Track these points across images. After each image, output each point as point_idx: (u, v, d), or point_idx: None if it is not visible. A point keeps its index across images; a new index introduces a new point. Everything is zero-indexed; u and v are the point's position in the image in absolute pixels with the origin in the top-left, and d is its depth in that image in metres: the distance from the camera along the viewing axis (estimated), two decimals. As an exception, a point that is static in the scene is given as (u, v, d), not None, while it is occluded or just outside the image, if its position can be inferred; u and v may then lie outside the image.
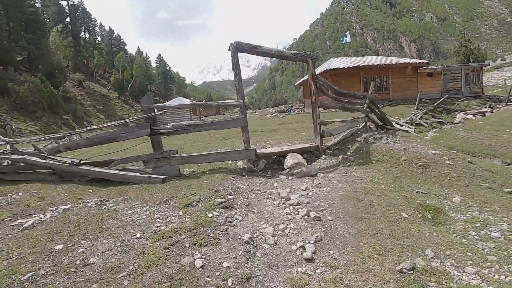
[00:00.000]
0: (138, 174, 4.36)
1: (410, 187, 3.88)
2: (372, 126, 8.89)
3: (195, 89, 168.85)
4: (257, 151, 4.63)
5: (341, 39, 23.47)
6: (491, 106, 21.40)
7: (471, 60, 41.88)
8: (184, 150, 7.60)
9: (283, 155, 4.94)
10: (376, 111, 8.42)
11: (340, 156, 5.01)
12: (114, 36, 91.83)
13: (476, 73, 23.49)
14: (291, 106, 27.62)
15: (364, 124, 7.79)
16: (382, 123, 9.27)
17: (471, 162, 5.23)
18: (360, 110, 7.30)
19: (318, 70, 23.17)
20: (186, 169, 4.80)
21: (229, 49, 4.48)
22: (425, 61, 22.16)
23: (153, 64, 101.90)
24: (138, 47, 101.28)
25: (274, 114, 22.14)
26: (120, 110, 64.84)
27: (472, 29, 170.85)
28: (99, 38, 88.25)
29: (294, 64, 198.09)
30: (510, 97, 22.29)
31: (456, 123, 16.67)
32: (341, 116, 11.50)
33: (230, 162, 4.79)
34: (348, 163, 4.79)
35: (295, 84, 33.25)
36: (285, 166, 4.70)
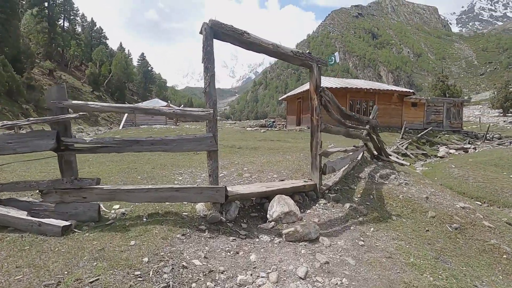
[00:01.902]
0: (24, 216, 2.58)
1: (464, 275, 2.44)
2: (367, 156, 7.64)
3: (177, 93, 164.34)
4: (229, 189, 3.02)
5: (330, 59, 22.75)
6: (470, 142, 21.46)
7: (447, 95, 43.57)
8: (136, 164, 5.80)
9: (267, 196, 3.37)
10: (375, 139, 7.18)
11: (347, 205, 3.52)
12: (95, 28, 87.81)
13: (457, 108, 23.71)
14: (273, 121, 26.37)
15: (362, 154, 6.47)
16: (377, 153, 8.06)
17: (510, 224, 3.96)
18: (361, 137, 5.96)
19: (305, 87, 22.20)
20: (117, 207, 3.07)
21: (200, 32, 2.92)
22: (411, 91, 21.98)
23: (135, 63, 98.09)
24: (121, 43, 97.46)
25: (255, 128, 20.69)
26: (91, 105, 60.59)
27: (444, 68, 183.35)
28: (79, 29, 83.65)
29: (278, 79, 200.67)
30: (487, 136, 22.58)
31: (440, 157, 16.12)
32: (327, 140, 10.24)
33: (186, 203, 3.13)
34: (360, 217, 3.30)
35: (279, 99, 32.28)
36: (269, 216, 3.11)
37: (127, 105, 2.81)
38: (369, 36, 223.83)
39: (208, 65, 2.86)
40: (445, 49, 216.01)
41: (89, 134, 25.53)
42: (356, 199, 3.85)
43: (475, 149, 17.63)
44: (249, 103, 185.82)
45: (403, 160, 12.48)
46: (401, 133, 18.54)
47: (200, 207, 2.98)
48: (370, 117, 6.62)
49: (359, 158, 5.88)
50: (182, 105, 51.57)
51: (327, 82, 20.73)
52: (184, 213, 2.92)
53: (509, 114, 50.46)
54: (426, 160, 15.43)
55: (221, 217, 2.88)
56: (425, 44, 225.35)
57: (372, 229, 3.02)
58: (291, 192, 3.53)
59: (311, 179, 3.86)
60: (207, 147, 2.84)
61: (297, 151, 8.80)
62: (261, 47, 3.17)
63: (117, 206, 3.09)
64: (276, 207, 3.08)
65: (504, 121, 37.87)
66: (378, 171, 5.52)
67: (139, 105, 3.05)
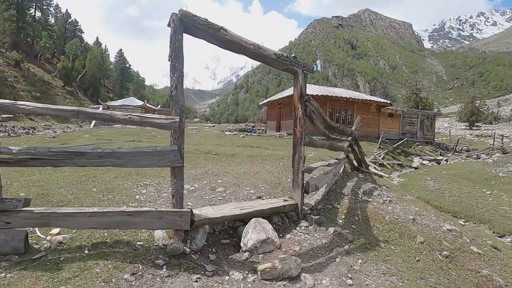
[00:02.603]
0: None
1: (465, 321, 2.11)
2: (347, 168, 7.42)
3: (155, 92, 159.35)
4: (196, 212, 2.54)
5: (313, 67, 22.83)
6: (442, 154, 22.31)
7: (420, 107, 45.54)
8: (97, 171, 5.10)
9: (241, 219, 2.92)
10: (357, 151, 6.96)
11: (331, 229, 3.14)
12: (70, 20, 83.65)
13: (430, 120, 24.64)
14: (253, 126, 26.01)
15: (343, 166, 6.20)
16: (358, 165, 7.89)
17: (496, 248, 3.79)
18: (344, 149, 5.69)
19: (286, 93, 22.08)
20: (55, 231, 2.48)
21: (168, 25, 2.44)
22: (388, 101, 22.53)
23: (112, 59, 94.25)
24: (97, 37, 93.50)
25: (234, 133, 20.19)
26: (62, 101, 57.26)
27: (416, 81, 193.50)
28: (52, 20, 79.16)
29: (259, 84, 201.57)
30: (456, 148, 23.61)
31: (415, 168, 16.49)
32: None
33: (143, 229, 2.59)
34: (345, 245, 2.92)
35: (259, 103, 32.03)
36: (242, 244, 2.66)
37: (69, 107, 2.25)
38: (348, 47, 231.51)
39: (176, 64, 2.38)
40: (417, 63, 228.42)
41: (56, 132, 23.85)
42: (341, 221, 3.49)
43: (447, 161, 18.27)
44: (229, 106, 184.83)
45: (381, 171, 12.54)
46: (379, 143, 18.83)
47: (159, 234, 2.47)
48: (353, 128, 6.39)
49: (341, 171, 5.59)
50: (160, 105, 49.98)
51: (308, 89, 20.72)
52: (138, 243, 2.39)
53: (474, 128, 53.76)
54: (401, 171, 15.69)
55: (185, 247, 2.38)
56: (400, 57, 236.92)
57: (360, 261, 2.65)
58: (269, 214, 3.11)
59: (291, 198, 3.45)
60: (170, 162, 2.34)
61: (276, 160, 8.44)
62: (240, 47, 2.74)
63: (56, 231, 2.50)
64: (252, 234, 2.63)
65: (471, 134, 40.09)
66: (361, 186, 5.25)
67: (85, 108, 2.41)
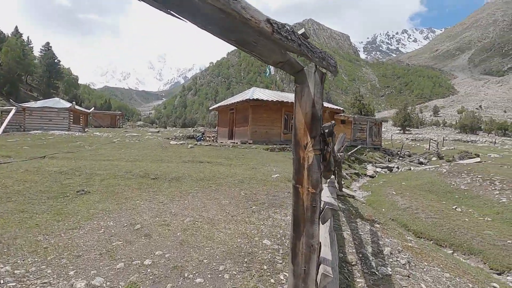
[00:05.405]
0: None
1: None
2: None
3: (92, 92, 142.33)
4: None
5: (266, 71, 21.81)
6: (390, 160, 23.08)
7: (363, 113, 48.33)
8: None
9: None
10: (337, 174, 5.57)
11: None
12: (-22, 5, 69.63)
13: (377, 126, 25.49)
14: (203, 133, 23.71)
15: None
16: (332, 188, 6.55)
17: None
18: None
19: (238, 98, 20.39)
20: None
21: None
22: (340, 108, 22.48)
23: (37, 53, 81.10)
24: (16, 27, 79.87)
25: (181, 142, 17.70)
26: (-36, 101, 46.71)
27: (354, 88, 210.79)
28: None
29: (208, 86, 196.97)
30: (400, 153, 24.78)
31: (371, 176, 16.28)
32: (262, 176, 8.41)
33: None
34: None
35: (210, 108, 29.74)
36: None
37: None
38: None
39: None
40: (355, 72, 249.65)
41: None
42: None
43: (398, 168, 18.63)
44: (177, 108, 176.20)
45: (344, 184, 11.63)
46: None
47: None
48: (336, 148, 4.95)
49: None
50: (93, 107, 43.97)
51: (262, 94, 19.39)
52: None
53: (407, 132, 59.51)
54: (359, 180, 15.24)
55: None
56: (340, 66, 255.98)
57: None
58: None
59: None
60: None
61: (234, 185, 6.64)
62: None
63: None
64: None
65: (407, 139, 43.82)
66: (360, 235, 3.77)
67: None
